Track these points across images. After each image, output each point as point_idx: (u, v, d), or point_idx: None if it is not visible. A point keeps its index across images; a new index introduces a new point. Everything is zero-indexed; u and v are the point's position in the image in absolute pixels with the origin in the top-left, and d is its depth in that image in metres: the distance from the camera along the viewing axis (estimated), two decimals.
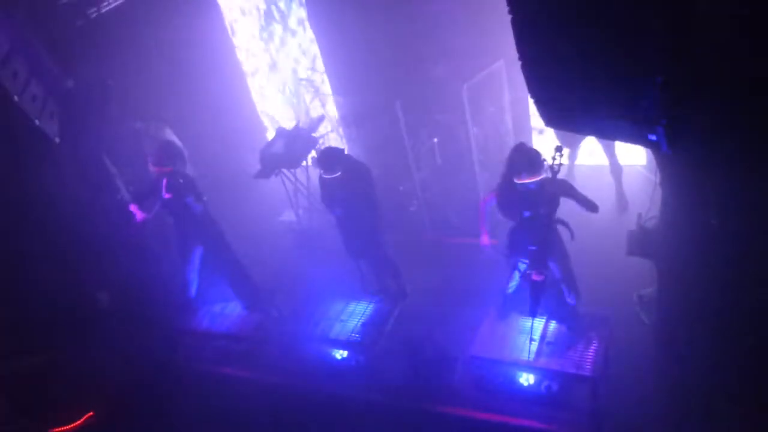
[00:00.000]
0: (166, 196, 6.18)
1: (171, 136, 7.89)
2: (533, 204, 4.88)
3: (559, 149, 4.56)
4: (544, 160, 4.76)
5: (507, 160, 4.91)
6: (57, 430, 6.39)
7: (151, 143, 6.98)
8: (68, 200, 6.75)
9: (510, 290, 5.58)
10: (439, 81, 7.45)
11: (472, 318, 5.97)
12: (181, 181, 6.17)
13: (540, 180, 4.74)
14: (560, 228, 5.10)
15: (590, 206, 4.89)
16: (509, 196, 4.97)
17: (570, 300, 5.38)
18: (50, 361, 6.69)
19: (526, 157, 4.76)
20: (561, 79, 3.23)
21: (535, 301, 5.19)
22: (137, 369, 6.93)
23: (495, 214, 5.34)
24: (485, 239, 5.34)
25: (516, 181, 4.79)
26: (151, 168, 6.19)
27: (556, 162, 4.57)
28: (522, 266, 5.24)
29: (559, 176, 4.72)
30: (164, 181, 6.15)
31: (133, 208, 6.26)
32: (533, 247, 4.97)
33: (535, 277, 5.04)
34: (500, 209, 5.14)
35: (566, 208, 5.05)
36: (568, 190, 4.89)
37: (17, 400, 6.34)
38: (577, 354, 5.24)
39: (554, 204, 4.92)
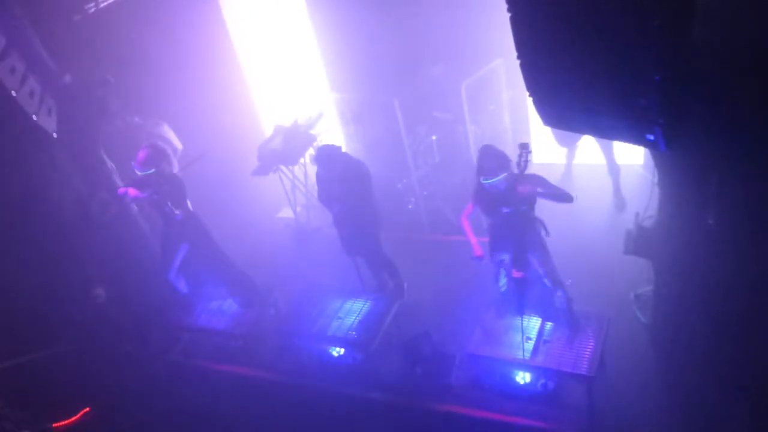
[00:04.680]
0: (154, 197, 6.15)
1: (168, 132, 7.88)
2: (508, 201, 4.94)
3: (523, 146, 4.64)
4: (509, 160, 4.83)
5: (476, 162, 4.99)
6: (55, 424, 6.38)
7: (142, 141, 6.92)
8: (66, 196, 6.74)
9: (502, 288, 5.59)
10: (437, 79, 7.45)
11: (470, 316, 5.98)
12: (166, 189, 6.08)
13: (505, 178, 4.80)
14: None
15: (564, 198, 4.85)
16: (484, 196, 5.05)
17: (558, 295, 5.38)
18: (47, 356, 6.70)
19: (487, 158, 4.85)
20: (559, 78, 3.23)
21: (519, 298, 5.21)
22: (134, 365, 6.94)
23: (477, 217, 5.36)
24: (477, 250, 5.33)
25: (482, 181, 4.88)
26: (136, 171, 6.12)
27: (522, 159, 4.63)
28: (504, 262, 5.29)
29: (529, 172, 4.74)
30: (151, 181, 6.08)
31: (130, 191, 6.17)
32: (513, 243, 5.03)
33: (515, 274, 5.08)
34: (479, 209, 5.22)
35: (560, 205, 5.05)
36: (540, 183, 4.87)
37: (14, 395, 6.33)
38: (573, 353, 5.24)
39: (531, 199, 4.96)
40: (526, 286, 5.18)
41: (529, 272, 5.12)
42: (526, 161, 4.64)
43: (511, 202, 4.94)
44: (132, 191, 6.14)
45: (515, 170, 4.74)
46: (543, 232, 5.16)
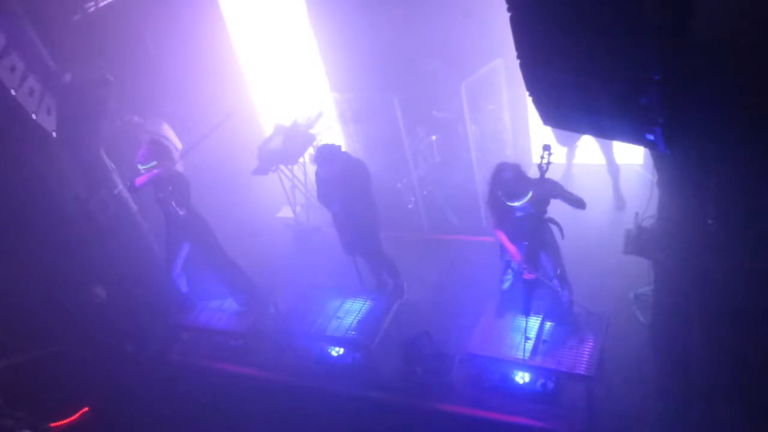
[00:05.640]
0: (159, 194, 6.15)
1: (168, 131, 7.87)
2: (522, 207, 4.91)
3: (546, 148, 4.56)
4: (527, 181, 4.76)
5: (492, 179, 4.90)
6: (53, 424, 6.38)
7: (143, 140, 6.92)
8: (65, 195, 6.73)
9: (505, 287, 5.60)
10: (437, 78, 7.44)
11: (470, 315, 5.98)
12: (170, 188, 6.07)
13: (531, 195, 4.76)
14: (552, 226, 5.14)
15: (578, 204, 4.86)
16: (498, 204, 5.00)
17: (563, 296, 5.39)
18: (46, 356, 6.69)
19: (511, 183, 4.74)
20: (559, 77, 3.23)
21: (527, 299, 5.20)
22: (134, 365, 6.94)
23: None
24: (516, 256, 5.16)
25: (509, 204, 4.84)
26: (139, 167, 6.10)
27: (545, 161, 4.56)
28: (514, 264, 5.27)
29: (549, 176, 4.73)
30: (155, 177, 6.08)
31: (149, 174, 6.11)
32: (525, 244, 5.02)
33: (527, 276, 5.07)
34: (492, 214, 5.17)
35: (561, 206, 5.05)
36: (556, 189, 4.88)
37: (13, 395, 6.33)
38: (573, 352, 5.25)
39: (544, 203, 4.95)
40: (535, 289, 5.17)
41: (539, 274, 5.11)
42: (548, 163, 4.58)
43: (523, 207, 4.91)
44: (151, 174, 6.04)
45: (537, 172, 4.68)
46: (557, 233, 5.13)
